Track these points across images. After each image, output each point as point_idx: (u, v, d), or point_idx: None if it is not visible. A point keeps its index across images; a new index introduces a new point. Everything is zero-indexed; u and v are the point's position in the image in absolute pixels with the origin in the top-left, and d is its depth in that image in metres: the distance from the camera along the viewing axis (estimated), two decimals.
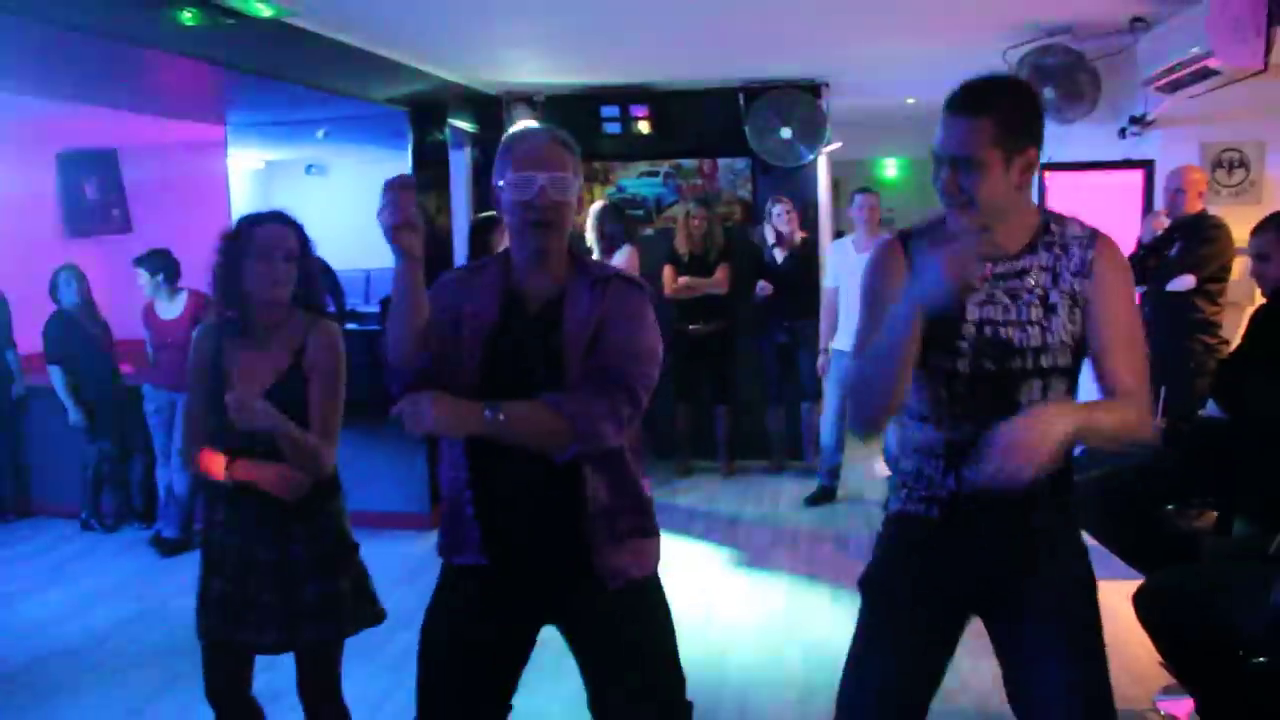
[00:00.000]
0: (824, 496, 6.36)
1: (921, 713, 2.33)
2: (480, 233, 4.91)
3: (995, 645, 2.31)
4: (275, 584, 2.79)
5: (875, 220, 6.02)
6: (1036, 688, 2.21)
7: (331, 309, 6.63)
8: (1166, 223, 4.86)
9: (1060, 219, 2.26)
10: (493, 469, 2.32)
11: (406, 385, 2.30)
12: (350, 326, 6.79)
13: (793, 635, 4.44)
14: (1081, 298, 2.15)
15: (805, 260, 6.43)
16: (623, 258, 6.13)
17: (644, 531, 2.42)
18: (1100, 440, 2.09)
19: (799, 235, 6.63)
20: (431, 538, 4.70)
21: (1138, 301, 2.89)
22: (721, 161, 7.35)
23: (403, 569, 5.35)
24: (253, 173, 6.92)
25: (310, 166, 7.05)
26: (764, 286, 6.51)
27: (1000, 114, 2.10)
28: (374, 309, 7.22)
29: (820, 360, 6.22)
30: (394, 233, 2.15)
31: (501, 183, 2.36)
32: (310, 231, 6.40)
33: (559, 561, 2.34)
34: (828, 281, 6.16)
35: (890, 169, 11.19)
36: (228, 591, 2.83)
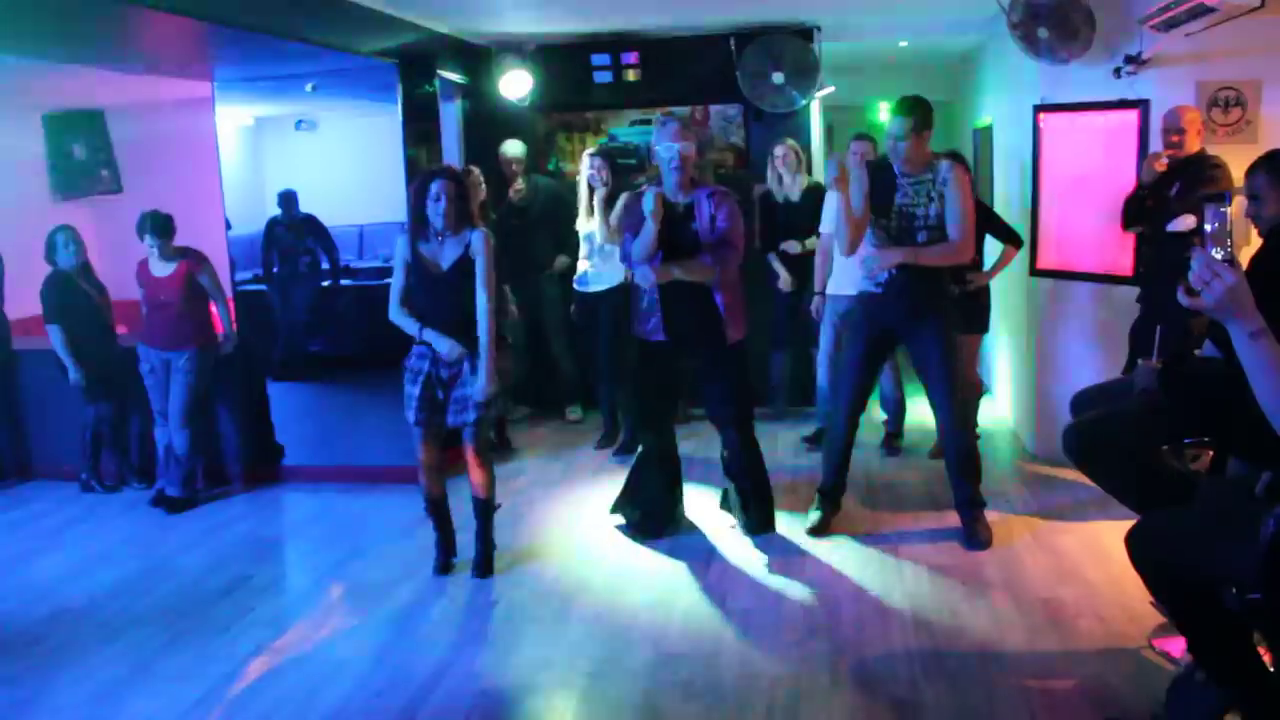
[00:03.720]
0: (822, 437, 6.33)
1: (867, 394, 4.96)
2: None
3: (909, 355, 4.86)
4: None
5: None
6: (927, 369, 4.74)
7: (325, 264, 6.72)
8: (1166, 163, 4.82)
9: (937, 157, 4.65)
10: (670, 292, 4.70)
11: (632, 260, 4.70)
12: (344, 283, 6.83)
13: (791, 577, 4.48)
14: (938, 193, 4.56)
15: (818, 199, 6.36)
16: (620, 204, 6.08)
17: (736, 322, 4.77)
18: (929, 262, 4.59)
19: (803, 179, 6.55)
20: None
21: (1133, 241, 5.20)
22: (714, 108, 7.29)
23: (400, 523, 5.41)
24: (242, 129, 6.88)
25: (300, 122, 7.02)
26: (791, 245, 6.50)
27: (915, 117, 4.54)
28: (368, 264, 7.21)
29: (815, 302, 6.23)
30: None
31: (658, 149, 4.68)
32: (300, 187, 6.36)
33: (702, 334, 4.73)
34: (824, 227, 6.13)
35: (884, 112, 11.07)
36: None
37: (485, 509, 4.68)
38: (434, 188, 4.34)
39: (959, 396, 4.80)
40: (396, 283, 4.49)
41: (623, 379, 6.19)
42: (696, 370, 4.85)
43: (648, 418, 4.98)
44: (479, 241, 4.39)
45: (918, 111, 4.54)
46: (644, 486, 5.02)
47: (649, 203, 4.58)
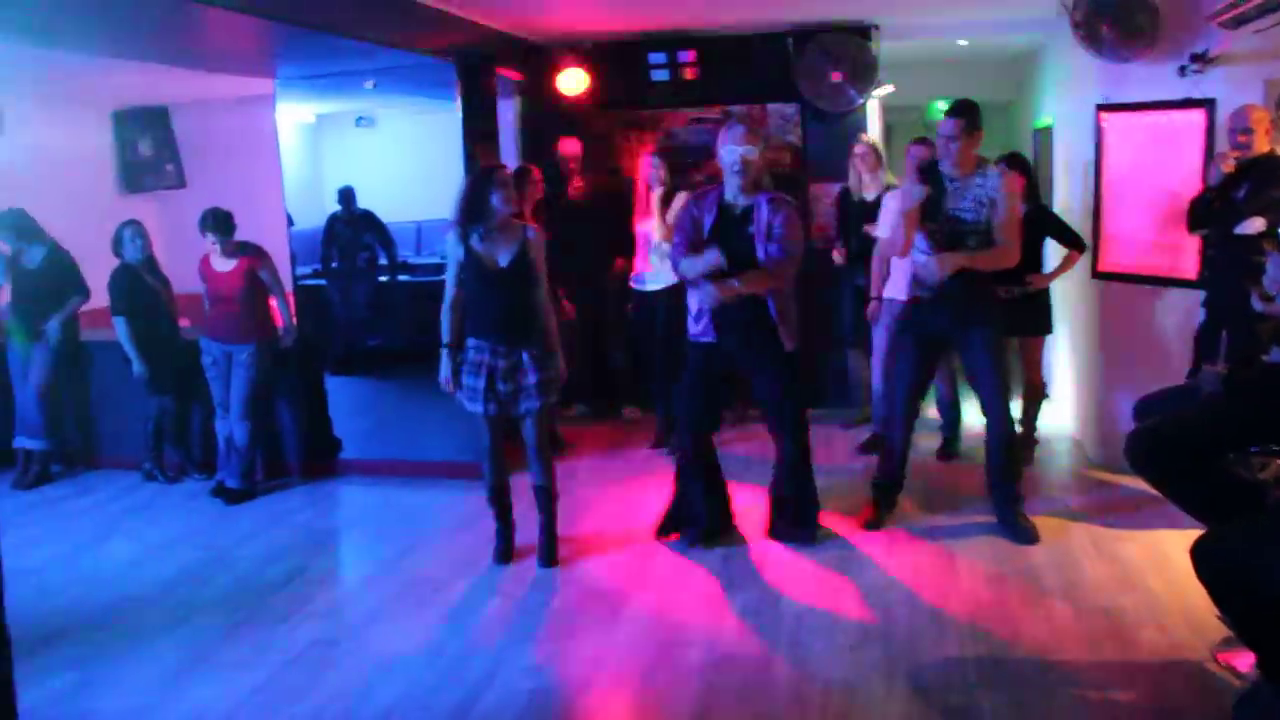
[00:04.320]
0: (877, 444, 6.24)
1: (921, 397, 5.00)
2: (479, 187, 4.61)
3: (960, 359, 4.91)
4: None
5: None
6: (977, 374, 4.78)
7: (383, 260, 6.75)
8: (1233, 164, 4.70)
9: (984, 161, 4.68)
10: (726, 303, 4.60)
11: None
12: (402, 278, 6.85)
13: (846, 584, 4.44)
14: (988, 199, 4.58)
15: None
16: (678, 203, 6.07)
17: (789, 330, 4.66)
18: (984, 266, 4.60)
19: (884, 178, 6.45)
20: (484, 486, 4.77)
21: (1199, 243, 5.14)
22: (770, 107, 7.23)
23: (457, 517, 5.44)
24: (303, 126, 6.91)
25: (360, 119, 7.05)
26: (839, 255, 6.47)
27: (967, 118, 4.59)
28: (425, 260, 7.22)
29: (871, 306, 6.16)
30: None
31: (721, 151, 4.61)
32: (359, 184, 6.43)
33: (754, 339, 4.66)
34: (882, 231, 6.06)
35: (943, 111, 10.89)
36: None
37: (548, 497, 4.77)
38: (499, 175, 4.51)
39: (1008, 401, 4.79)
40: (450, 281, 4.59)
41: (678, 378, 6.16)
42: (750, 377, 4.79)
43: (688, 419, 4.90)
44: (536, 236, 4.58)
45: (970, 113, 4.60)
46: (685, 495, 4.96)
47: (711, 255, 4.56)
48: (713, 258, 4.55)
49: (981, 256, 4.60)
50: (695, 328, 4.77)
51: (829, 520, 5.02)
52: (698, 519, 4.93)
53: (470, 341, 4.59)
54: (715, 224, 4.62)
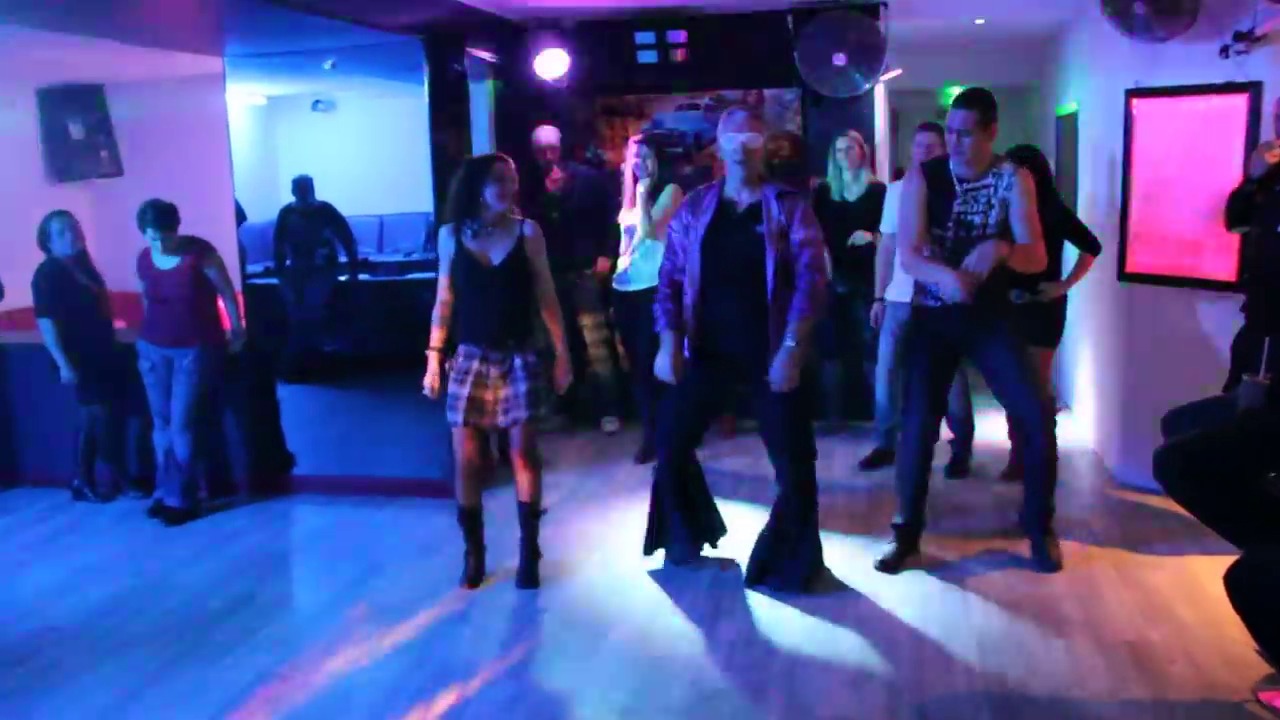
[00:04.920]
0: (881, 459, 6.32)
1: (939, 415, 5.00)
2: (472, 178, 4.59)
3: (979, 368, 4.84)
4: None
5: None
6: (1003, 378, 4.72)
7: (343, 257, 6.72)
8: (1279, 154, 4.67)
9: (1000, 159, 4.62)
10: (710, 303, 4.56)
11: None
12: (363, 277, 6.83)
13: (845, 610, 4.42)
14: (1000, 200, 4.52)
15: (879, 201, 6.30)
16: (667, 197, 6.11)
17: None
18: (1016, 266, 4.52)
19: (865, 176, 6.54)
20: (451, 505, 4.74)
21: (1238, 242, 5.09)
22: (768, 93, 7.25)
23: (422, 539, 5.41)
24: (254, 109, 6.89)
25: (317, 102, 7.03)
26: (859, 235, 6.47)
27: (980, 109, 4.49)
28: (389, 258, 7.20)
29: (874, 309, 6.16)
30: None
31: (721, 140, 4.53)
32: (316, 173, 6.42)
33: (749, 353, 4.52)
34: (885, 227, 6.07)
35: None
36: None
37: (531, 514, 4.78)
38: (497, 168, 4.52)
39: (1046, 400, 4.75)
40: (442, 280, 4.66)
41: (664, 387, 6.14)
42: (751, 392, 4.68)
43: (666, 431, 4.83)
44: (534, 231, 4.61)
45: (983, 103, 4.52)
46: (661, 512, 4.92)
47: (664, 369, 4.61)
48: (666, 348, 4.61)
49: (1017, 252, 4.48)
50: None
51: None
52: (677, 537, 4.90)
53: (460, 348, 4.63)
54: (712, 223, 4.53)
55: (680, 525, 4.89)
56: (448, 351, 4.67)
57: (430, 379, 4.65)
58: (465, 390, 4.56)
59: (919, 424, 4.81)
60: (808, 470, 4.63)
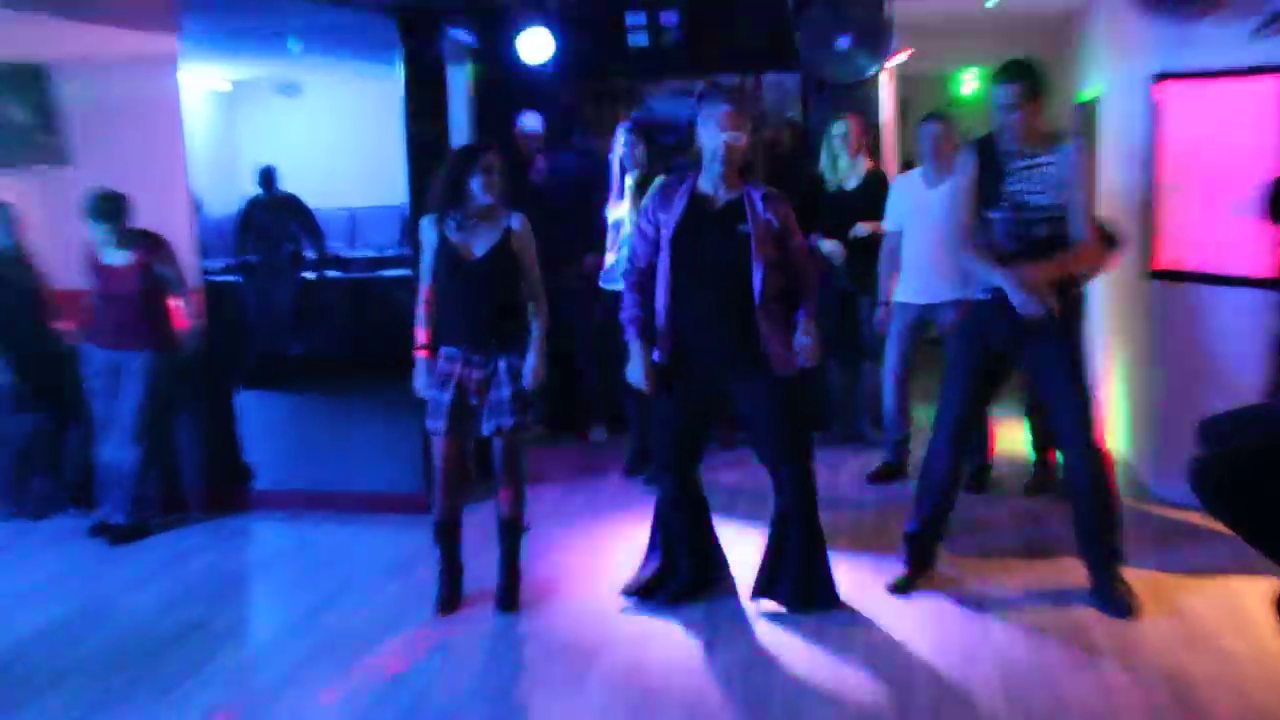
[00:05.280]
0: (889, 473, 6.29)
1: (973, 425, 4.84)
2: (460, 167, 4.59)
3: (1029, 373, 4.93)
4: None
5: (946, 151, 5.86)
6: (1052, 389, 4.56)
7: (310, 253, 6.61)
8: None
9: (1059, 134, 4.48)
10: (687, 307, 4.46)
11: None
12: (331, 275, 6.75)
13: (854, 637, 4.34)
14: (1063, 181, 4.33)
15: (879, 190, 6.24)
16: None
17: (783, 348, 4.47)
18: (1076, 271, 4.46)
19: (866, 164, 6.50)
20: (425, 522, 4.64)
21: (1277, 236, 4.97)
22: (767, 78, 7.27)
23: (393, 560, 5.39)
24: (213, 93, 6.80)
25: (282, 86, 6.95)
26: (834, 252, 6.43)
27: (1025, 81, 4.30)
28: (360, 254, 7.13)
29: (880, 313, 6.13)
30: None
31: (700, 133, 4.43)
32: (282, 163, 6.37)
33: (735, 360, 4.44)
34: (889, 224, 6.02)
35: (968, 84, 10.92)
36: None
37: (514, 530, 4.77)
38: (485, 157, 4.53)
39: (1097, 425, 4.53)
40: (425, 273, 4.67)
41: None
42: (736, 402, 4.61)
43: (665, 454, 4.72)
44: (522, 225, 4.62)
45: (1029, 75, 4.33)
46: (666, 542, 4.78)
47: (636, 378, 4.54)
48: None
49: (1075, 261, 4.38)
50: (659, 346, 4.58)
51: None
52: (678, 572, 4.74)
53: (441, 350, 4.63)
54: (684, 221, 4.43)
55: (682, 562, 4.74)
56: (437, 351, 4.67)
57: (424, 380, 4.64)
58: (448, 395, 4.55)
59: (952, 420, 4.64)
60: (806, 473, 4.54)
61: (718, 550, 4.87)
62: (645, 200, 4.66)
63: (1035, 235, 4.36)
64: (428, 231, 4.59)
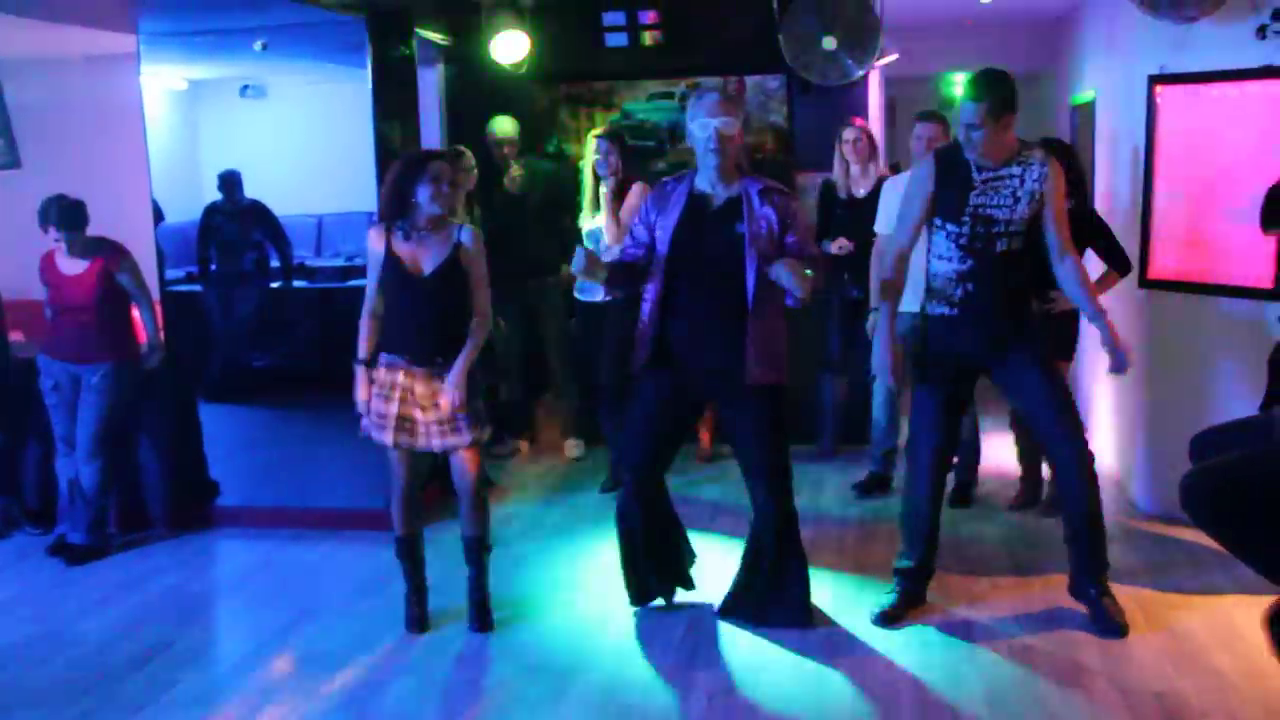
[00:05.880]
0: (876, 485, 6.35)
1: (954, 443, 4.89)
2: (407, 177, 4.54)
3: (1003, 391, 4.84)
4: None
5: None
6: (1031, 402, 4.64)
7: (275, 262, 6.65)
8: None
9: (1028, 146, 4.52)
10: (677, 310, 4.51)
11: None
12: (298, 284, 6.77)
13: (836, 658, 4.38)
14: (1027, 193, 4.43)
15: None
16: (634, 197, 6.06)
17: (769, 359, 4.47)
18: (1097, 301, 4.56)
19: (878, 171, 6.55)
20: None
21: (1276, 245, 5.13)
22: (750, 80, 7.26)
23: (362, 579, 5.38)
24: (173, 95, 6.81)
25: (246, 87, 6.95)
26: (843, 245, 6.45)
27: (990, 99, 4.32)
28: (327, 263, 7.15)
29: (870, 320, 6.15)
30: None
31: (691, 125, 4.44)
32: (245, 168, 6.38)
33: (719, 368, 4.46)
34: (880, 227, 6.07)
35: (959, 86, 10.95)
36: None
37: (480, 549, 4.77)
38: (433, 167, 4.48)
39: (1083, 431, 4.63)
40: (370, 286, 4.65)
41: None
42: (719, 411, 4.66)
43: (630, 458, 4.77)
44: (473, 240, 4.57)
45: (995, 91, 4.35)
46: (631, 555, 4.82)
47: (579, 261, 4.35)
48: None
49: (1097, 298, 4.57)
50: (638, 351, 4.62)
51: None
52: (646, 581, 4.82)
53: (383, 358, 4.61)
54: (681, 222, 4.47)
55: (646, 570, 4.80)
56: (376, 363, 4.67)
57: (362, 394, 4.64)
58: (393, 408, 4.55)
59: (929, 452, 4.69)
60: (783, 492, 4.58)
61: (687, 558, 4.93)
62: (642, 201, 4.68)
63: (996, 249, 4.46)
64: (374, 244, 4.58)
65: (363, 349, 4.65)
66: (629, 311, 5.64)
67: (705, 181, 4.51)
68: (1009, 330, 4.54)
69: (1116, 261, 5.51)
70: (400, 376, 4.55)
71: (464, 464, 4.64)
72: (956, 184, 4.48)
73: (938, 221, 4.54)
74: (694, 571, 4.98)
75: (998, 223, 4.44)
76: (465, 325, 4.61)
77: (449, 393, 4.51)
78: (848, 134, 6.49)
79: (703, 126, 4.40)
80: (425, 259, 4.53)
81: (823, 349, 6.81)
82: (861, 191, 6.50)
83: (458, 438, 4.56)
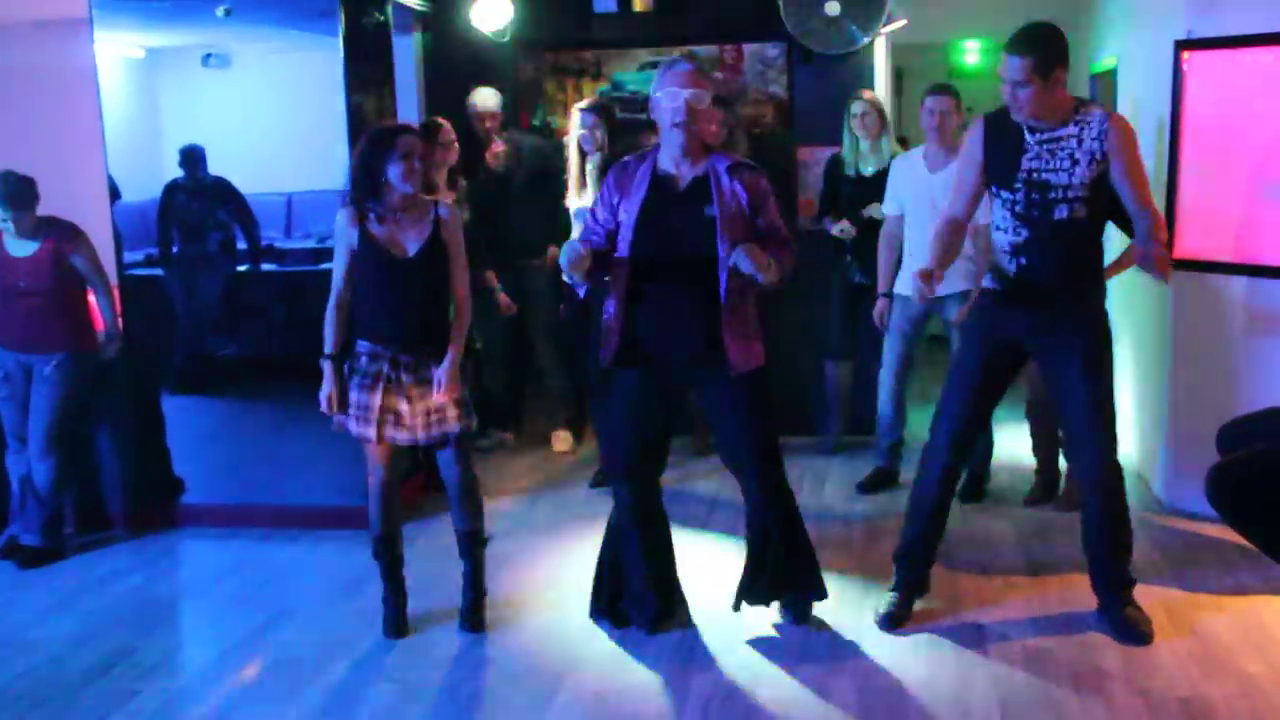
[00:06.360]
0: (882, 480, 6.36)
1: (974, 432, 4.79)
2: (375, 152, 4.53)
3: (1042, 372, 4.81)
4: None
5: (951, 129, 5.89)
6: (1067, 392, 4.51)
7: (241, 244, 6.63)
8: None
9: (1085, 103, 4.41)
10: (645, 298, 4.45)
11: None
12: (266, 267, 6.75)
13: (839, 663, 4.39)
14: (1086, 154, 4.29)
15: None
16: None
17: (744, 343, 4.45)
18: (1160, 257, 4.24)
19: (888, 148, 6.54)
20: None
21: None
22: (748, 48, 7.27)
23: (338, 580, 5.40)
24: (130, 63, 6.77)
25: (209, 56, 6.91)
26: (845, 228, 6.46)
27: (1037, 54, 4.18)
28: (297, 244, 7.12)
29: (879, 305, 6.16)
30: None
31: (658, 96, 4.34)
32: (209, 143, 6.33)
33: (694, 357, 4.45)
34: (888, 208, 6.06)
35: (972, 55, 10.95)
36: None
37: (474, 543, 4.79)
38: (402, 142, 4.45)
39: (1112, 436, 4.54)
40: (337, 273, 4.63)
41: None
42: (698, 402, 4.64)
43: (621, 460, 4.73)
44: (451, 213, 4.65)
45: (1044, 44, 4.24)
46: (618, 564, 4.80)
47: (570, 256, 4.28)
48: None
49: (1156, 233, 4.28)
50: (603, 349, 4.58)
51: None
52: (645, 598, 4.73)
53: (362, 346, 4.60)
54: (646, 204, 4.40)
55: (644, 585, 4.73)
56: (345, 356, 4.64)
57: (329, 390, 4.62)
58: (377, 399, 4.54)
59: (949, 439, 4.64)
60: (777, 478, 4.58)
61: (672, 568, 4.87)
62: (600, 184, 4.64)
63: (1055, 217, 4.34)
64: (345, 228, 4.55)
65: (330, 343, 4.63)
66: None
67: (669, 160, 4.43)
68: (1061, 311, 4.44)
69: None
70: (385, 366, 4.54)
71: (456, 457, 4.65)
72: (1007, 148, 4.40)
73: (994, 189, 4.49)
74: (691, 591, 4.93)
75: (1054, 188, 4.32)
76: (449, 308, 4.63)
77: (442, 382, 4.51)
78: (856, 107, 6.48)
79: (671, 96, 4.30)
80: (406, 240, 4.53)
81: (825, 336, 6.80)
82: (870, 169, 6.50)
83: (446, 427, 4.57)
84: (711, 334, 4.37)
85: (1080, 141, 4.30)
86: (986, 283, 4.61)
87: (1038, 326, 4.46)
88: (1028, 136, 4.35)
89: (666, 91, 4.32)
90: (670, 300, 4.41)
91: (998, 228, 4.49)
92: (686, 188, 4.40)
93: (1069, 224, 4.34)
